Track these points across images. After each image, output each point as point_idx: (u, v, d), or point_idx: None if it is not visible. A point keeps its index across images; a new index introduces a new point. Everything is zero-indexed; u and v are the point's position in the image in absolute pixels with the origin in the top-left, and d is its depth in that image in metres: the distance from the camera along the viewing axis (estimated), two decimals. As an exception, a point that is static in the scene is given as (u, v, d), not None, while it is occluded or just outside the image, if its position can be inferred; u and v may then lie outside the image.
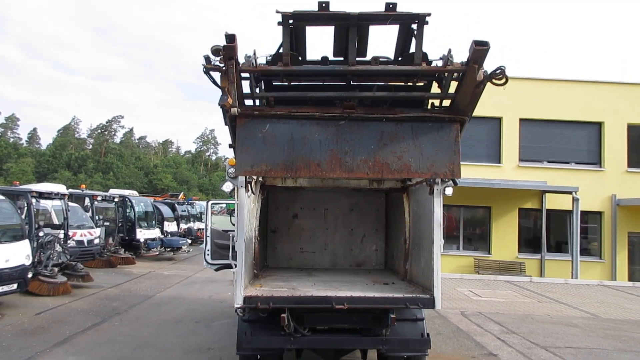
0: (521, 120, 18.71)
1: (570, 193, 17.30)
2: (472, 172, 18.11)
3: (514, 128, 18.68)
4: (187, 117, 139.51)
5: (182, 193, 40.28)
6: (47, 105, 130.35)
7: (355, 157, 4.11)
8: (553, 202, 18.23)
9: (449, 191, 5.04)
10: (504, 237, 18.35)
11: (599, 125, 18.81)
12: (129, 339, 7.43)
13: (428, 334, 5.39)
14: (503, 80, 3.68)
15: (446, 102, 4.46)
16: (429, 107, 4.47)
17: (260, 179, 6.40)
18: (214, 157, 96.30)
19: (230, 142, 4.40)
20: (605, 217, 18.54)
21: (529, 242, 18.86)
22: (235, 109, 3.94)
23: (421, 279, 5.63)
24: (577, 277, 17.00)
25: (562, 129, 18.88)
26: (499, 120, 18.76)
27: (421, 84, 4.52)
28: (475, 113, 16.32)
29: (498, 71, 3.63)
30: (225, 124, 4.34)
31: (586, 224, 19.13)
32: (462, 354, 7.13)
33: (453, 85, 4.27)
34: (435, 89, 4.57)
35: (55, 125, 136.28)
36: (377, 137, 4.14)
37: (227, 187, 5.08)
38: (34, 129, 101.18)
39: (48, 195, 11.83)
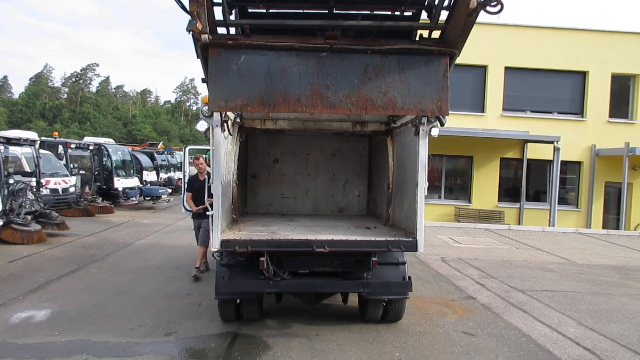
0: (506, 68, 18.44)
1: (551, 142, 17.37)
2: (456, 122, 17.91)
3: (499, 77, 18.42)
4: (165, 66, 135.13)
5: (161, 142, 39.46)
6: (18, 53, 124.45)
7: (338, 92, 3.84)
8: (534, 152, 18.32)
9: (435, 132, 4.84)
10: (485, 187, 18.50)
11: (583, 74, 18.66)
12: (107, 286, 7.29)
13: (410, 277, 5.35)
14: (498, 8, 3.39)
15: (435, 34, 4.17)
16: (417, 38, 4.17)
17: (238, 120, 6.11)
18: (194, 108, 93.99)
19: (203, 76, 4.06)
20: (584, 167, 18.76)
21: (508, 191, 19.06)
22: (206, 35, 3.59)
23: (404, 223, 5.52)
24: (554, 225, 17.37)
25: (546, 78, 18.68)
26: (484, 68, 18.46)
27: (409, 13, 4.20)
28: (461, 61, 15.92)
29: (492, -3, 3.33)
30: (197, 56, 3.99)
31: (565, 175, 19.36)
32: (442, 297, 7.19)
33: (443, 15, 3.97)
34: (424, 19, 4.26)
35: (26, 74, 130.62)
36: (361, 71, 3.85)
37: (202, 126, 4.80)
38: (5, 77, 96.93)
39: (17, 142, 11.28)
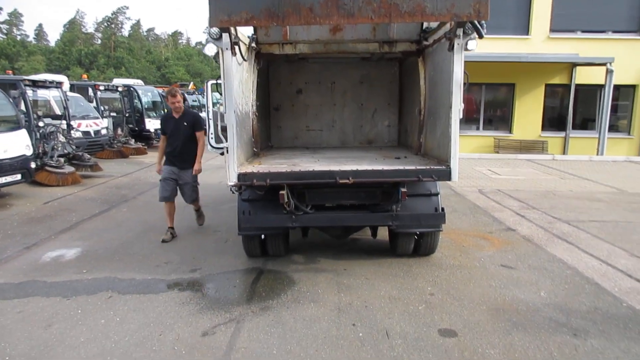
0: (555, -17, 16.73)
1: (604, 65, 15.95)
2: (496, 46, 16.66)
3: (546, -7, 16.78)
4: (194, 5, 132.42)
5: (192, 83, 39.19)
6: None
7: (356, -2, 3.30)
8: (583, 77, 16.93)
9: (473, 45, 4.22)
10: (527, 116, 17.41)
11: (643, -16, 16.74)
12: (135, 224, 7.28)
13: (443, 209, 4.96)
14: None
15: None
16: None
17: (254, 44, 5.64)
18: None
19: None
20: (639, 91, 17.28)
21: (553, 120, 17.90)
22: None
23: (436, 151, 5.05)
24: (603, 154, 16.34)
25: (599, -9, 16.88)
26: (529, -16, 16.81)
27: None
28: (502, -23, 13.42)
29: None
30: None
31: (616, 101, 17.94)
32: (479, 230, 6.80)
33: None
34: None
35: (60, 20, 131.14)
36: (383, -30, 3.28)
37: (210, 49, 4.35)
38: (40, 25, 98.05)
39: (43, 84, 11.21)
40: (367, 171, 4.45)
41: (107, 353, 3.50)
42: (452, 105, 4.33)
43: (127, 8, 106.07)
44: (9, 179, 8.49)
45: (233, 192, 4.82)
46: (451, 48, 4.26)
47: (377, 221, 4.96)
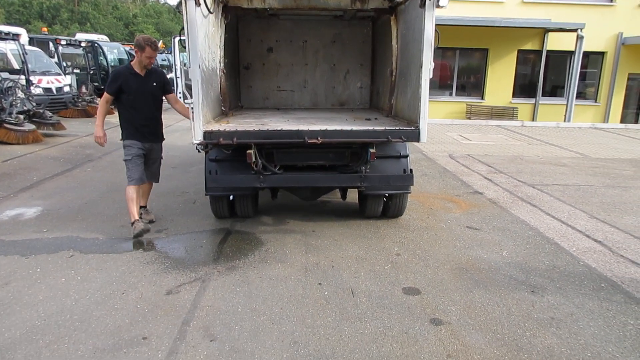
0: (531, -55, 16.56)
1: (575, 30, 16.07)
2: (470, 10, 16.57)
3: (522, -43, 16.61)
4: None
5: (161, 41, 37.72)
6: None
7: (325, -55, 3.14)
8: (555, 43, 17.07)
9: (444, 1, 4.13)
10: (499, 82, 17.54)
11: (617, -50, 16.74)
12: (99, 184, 7.08)
13: (411, 170, 4.97)
14: None
15: None
16: None
17: (220, -4, 5.39)
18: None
19: None
20: (608, 58, 17.55)
21: (524, 87, 18.10)
22: None
23: (407, 113, 5.01)
24: (570, 121, 16.70)
25: (575, -45, 16.83)
26: (505, -53, 16.59)
27: None
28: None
29: None
30: None
31: (585, 69, 18.21)
32: (447, 193, 6.88)
33: None
34: None
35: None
36: None
37: (172, -1, 4.13)
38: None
39: (-2, 36, 10.58)
40: (336, 131, 4.39)
41: (67, 311, 3.42)
42: (422, 64, 4.26)
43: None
44: (-38, 135, 8.07)
45: (199, 151, 4.70)
46: (423, 4, 4.16)
47: (346, 182, 4.93)
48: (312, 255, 4.48)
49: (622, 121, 17.91)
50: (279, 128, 4.47)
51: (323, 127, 4.39)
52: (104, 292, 3.73)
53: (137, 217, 4.92)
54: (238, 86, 7.09)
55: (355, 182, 4.79)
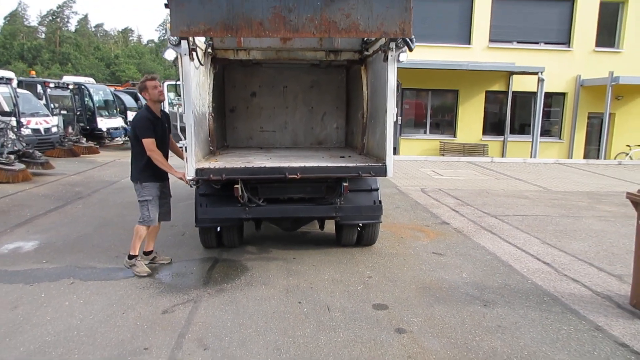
0: (494, -3, 18.00)
1: (536, 74, 17.34)
2: (441, 55, 17.78)
3: (486, 6, 18.00)
4: (145, 2, 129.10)
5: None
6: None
7: (301, 15, 3.83)
8: (520, 84, 18.33)
9: (403, 57, 4.86)
10: (470, 121, 18.61)
11: (571, 2, 18.30)
12: (92, 219, 7.50)
13: (380, 201, 5.57)
14: None
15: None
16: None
17: (210, 50, 6.06)
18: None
19: (166, 1, 4.01)
20: (568, 98, 18.85)
21: (493, 125, 19.21)
22: (162, -44, 3.54)
23: (376, 151, 5.67)
24: (536, 156, 17.71)
25: (534, 6, 18.31)
26: (471, -2, 17.99)
27: None
28: (448, -10, 14.34)
29: None
30: (159, -20, 3.91)
31: (549, 107, 19.50)
32: (417, 224, 7.49)
33: None
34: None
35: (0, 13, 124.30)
36: (324, -7, 3.83)
37: (170, 54, 4.78)
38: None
39: (-9, 80, 11.09)
40: (313, 167, 4.99)
41: (74, 328, 3.85)
42: (387, 109, 4.94)
43: (74, 2, 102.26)
44: (-42, 175, 8.44)
45: (191, 186, 5.21)
46: (385, 59, 4.88)
47: (322, 213, 5.50)
48: (293, 279, 4.99)
49: (585, 157, 19.03)
50: (263, 165, 5.05)
51: (301, 164, 4.99)
52: (105, 312, 4.16)
53: (137, 253, 5.16)
54: (224, 127, 7.69)
55: (330, 213, 5.37)
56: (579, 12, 18.17)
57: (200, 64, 5.35)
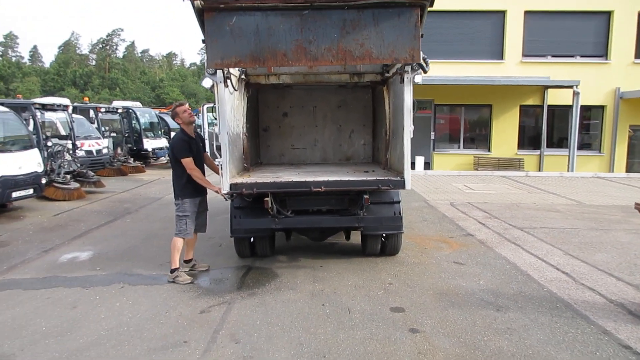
0: (526, 12, 18.09)
1: (571, 87, 17.19)
2: (474, 70, 17.97)
3: (519, 21, 18.10)
4: (188, 27, 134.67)
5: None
6: (44, 20, 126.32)
7: (320, 46, 4.31)
8: (555, 98, 18.18)
9: (418, 79, 5.26)
10: (504, 135, 18.58)
11: (607, 14, 18.11)
12: (139, 232, 8.18)
13: (400, 213, 5.92)
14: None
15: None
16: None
17: (243, 76, 6.64)
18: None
19: (203, 37, 4.59)
20: (607, 111, 18.53)
21: (529, 139, 19.10)
22: (199, 2, 4.11)
23: (397, 165, 6.04)
24: (573, 170, 17.44)
25: (568, 20, 18.24)
26: (502, 14, 18.16)
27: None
28: (479, 7, 15.80)
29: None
30: (197, 20, 4.51)
31: (589, 120, 19.23)
32: (442, 235, 7.75)
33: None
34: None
35: (55, 42, 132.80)
36: (340, 25, 4.30)
37: (207, 83, 5.35)
38: (35, 47, 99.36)
39: (51, 107, 12.20)
40: (336, 181, 5.42)
41: (124, 325, 4.39)
42: (404, 127, 5.33)
43: (122, 30, 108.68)
44: (22, 193, 9.39)
45: (226, 199, 5.74)
46: (402, 81, 5.29)
47: (345, 223, 5.90)
48: (319, 284, 5.39)
49: (628, 170, 18.56)
50: (290, 180, 5.53)
51: (325, 178, 5.43)
52: (151, 312, 4.69)
53: (178, 266, 5.65)
54: (258, 145, 8.25)
55: (353, 223, 5.77)
56: (616, 24, 17.95)
57: (234, 89, 5.93)
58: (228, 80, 5.33)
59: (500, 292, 5.15)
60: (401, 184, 5.37)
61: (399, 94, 5.95)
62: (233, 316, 4.55)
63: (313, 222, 5.89)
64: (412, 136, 5.37)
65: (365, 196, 5.51)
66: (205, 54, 4.46)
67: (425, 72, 5.16)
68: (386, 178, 5.46)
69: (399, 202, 6.08)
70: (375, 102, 8.13)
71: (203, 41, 4.53)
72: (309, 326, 4.30)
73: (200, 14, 4.30)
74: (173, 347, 3.95)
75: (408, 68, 5.16)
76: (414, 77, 5.23)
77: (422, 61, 5.00)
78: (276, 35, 4.30)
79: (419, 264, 6.20)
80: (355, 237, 6.86)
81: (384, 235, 6.29)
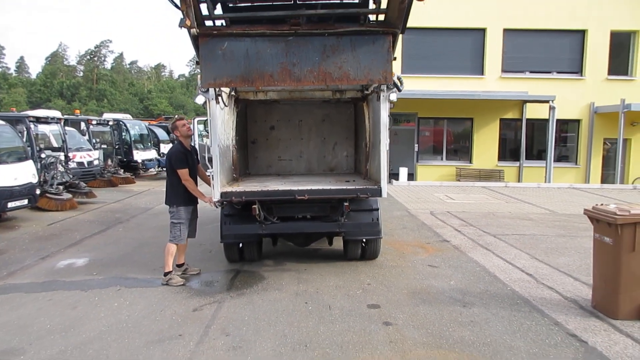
0: (505, 30, 18.90)
1: (547, 102, 17.95)
2: (456, 85, 18.69)
3: (498, 39, 18.90)
4: (176, 39, 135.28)
5: (176, 115, 40.66)
6: (31, 31, 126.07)
7: (303, 68, 4.82)
8: (534, 112, 18.93)
9: (393, 97, 5.78)
10: (485, 147, 19.27)
11: (582, 33, 19.00)
12: (131, 240, 8.55)
13: (378, 219, 6.40)
14: (422, -2, 4.30)
15: (381, 17, 5.06)
16: (367, 22, 5.08)
17: (233, 93, 7.12)
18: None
19: (197, 59, 5.06)
20: (583, 125, 19.34)
21: (509, 151, 19.82)
22: (194, 29, 4.59)
23: (375, 175, 6.53)
24: (550, 181, 18.14)
25: (545, 38, 19.11)
26: (483, 31, 18.96)
27: (358, 1, 5.11)
28: (460, 25, 16.62)
29: (416, -11, 4.24)
30: (192, 44, 5.00)
31: (566, 133, 20.03)
32: (420, 241, 8.25)
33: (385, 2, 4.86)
34: (372, 5, 5.15)
35: (42, 53, 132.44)
36: (321, 50, 4.81)
37: (200, 99, 5.81)
38: (21, 58, 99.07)
39: (45, 120, 12.54)
40: (319, 190, 5.90)
41: (123, 322, 4.78)
42: (380, 141, 5.84)
43: (111, 41, 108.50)
44: (18, 203, 9.72)
45: (216, 207, 6.17)
46: (378, 99, 5.81)
47: (327, 229, 6.36)
48: (302, 285, 5.84)
49: (603, 181, 19.33)
50: (277, 189, 5.99)
51: (308, 187, 5.90)
52: (147, 310, 5.09)
53: (171, 269, 6.05)
54: (246, 157, 8.71)
55: (334, 229, 6.24)
56: (590, 42, 18.84)
57: (225, 105, 6.40)
58: (219, 97, 5.80)
59: (468, 290, 5.64)
60: (378, 192, 5.86)
61: (377, 110, 6.47)
62: (223, 313, 4.97)
63: (297, 228, 6.35)
64: (387, 149, 5.88)
65: (345, 203, 5.99)
66: (200, 75, 4.93)
67: (399, 90, 5.69)
68: (364, 187, 5.95)
69: (377, 209, 6.56)
70: (356, 117, 8.65)
71: (197, 62, 5.01)
72: (293, 321, 4.73)
73: (196, 39, 4.79)
74: (169, 339, 4.36)
75: (384, 87, 5.68)
76: (389, 95, 5.75)
77: (397, 81, 5.55)
78: (264, 58, 4.80)
79: (396, 266, 6.67)
80: (338, 243, 7.31)
81: (364, 240, 6.77)
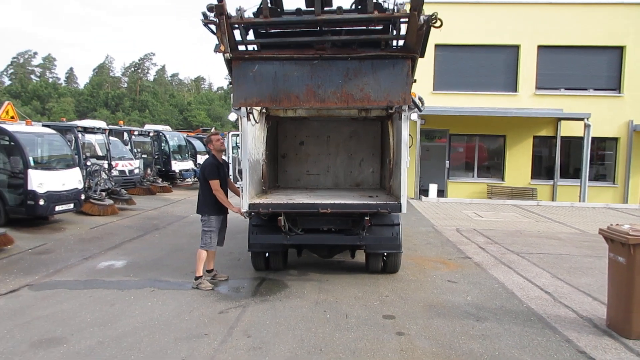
0: (539, 47, 18.77)
1: (582, 119, 17.68)
2: (489, 102, 18.67)
3: (532, 55, 18.79)
4: (216, 54, 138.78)
5: (213, 128, 41.85)
6: (81, 44, 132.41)
7: (326, 90, 5.17)
8: (569, 130, 18.66)
9: (414, 116, 6.08)
10: (518, 164, 19.09)
11: (620, 49, 18.66)
12: (166, 246, 9.06)
13: (398, 234, 6.62)
14: (439, 24, 4.58)
15: (401, 42, 5.36)
16: (387, 46, 5.39)
17: (264, 110, 7.55)
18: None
19: (230, 80, 5.49)
20: (621, 143, 18.91)
21: (544, 169, 19.55)
22: (228, 54, 5.02)
23: (396, 191, 6.78)
24: (585, 201, 17.77)
25: (581, 54, 18.87)
26: (516, 48, 18.90)
27: (379, 27, 5.42)
28: (494, 42, 16.74)
29: (433, 17, 4.53)
30: (226, 66, 5.44)
31: (603, 151, 19.60)
32: (442, 257, 8.40)
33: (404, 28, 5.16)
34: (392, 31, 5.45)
35: (90, 65, 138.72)
36: (344, 73, 5.15)
37: (232, 117, 6.27)
38: (71, 69, 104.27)
39: (91, 130, 13.42)
40: (341, 204, 6.20)
41: (155, 320, 5.20)
42: (402, 158, 6.11)
43: (154, 54, 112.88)
44: (64, 207, 10.45)
45: (245, 218, 6.55)
46: (400, 118, 6.09)
47: (348, 241, 6.63)
48: (323, 294, 6.12)
49: (642, 202, 18.77)
50: (302, 202, 6.33)
51: (331, 201, 6.21)
52: (177, 310, 5.49)
53: (201, 274, 6.48)
54: (276, 170, 9.11)
55: (355, 242, 6.51)
56: (629, 59, 18.49)
57: (256, 121, 6.82)
58: (250, 115, 6.22)
59: (484, 306, 5.78)
60: (398, 208, 6.10)
61: (400, 129, 6.75)
62: (247, 317, 5.32)
63: (319, 240, 6.65)
64: (407, 166, 6.14)
65: (366, 218, 6.25)
66: (232, 94, 5.35)
67: (420, 110, 5.96)
68: (385, 202, 6.22)
69: (398, 224, 6.78)
70: (383, 134, 8.93)
71: (230, 83, 5.43)
72: (311, 327, 5.02)
73: (229, 62, 5.22)
74: (196, 337, 4.73)
75: (405, 107, 5.96)
76: (410, 115, 6.03)
77: (418, 101, 5.83)
78: (290, 80, 5.18)
79: (415, 280, 6.87)
80: (360, 256, 7.57)
81: (385, 254, 7.00)
